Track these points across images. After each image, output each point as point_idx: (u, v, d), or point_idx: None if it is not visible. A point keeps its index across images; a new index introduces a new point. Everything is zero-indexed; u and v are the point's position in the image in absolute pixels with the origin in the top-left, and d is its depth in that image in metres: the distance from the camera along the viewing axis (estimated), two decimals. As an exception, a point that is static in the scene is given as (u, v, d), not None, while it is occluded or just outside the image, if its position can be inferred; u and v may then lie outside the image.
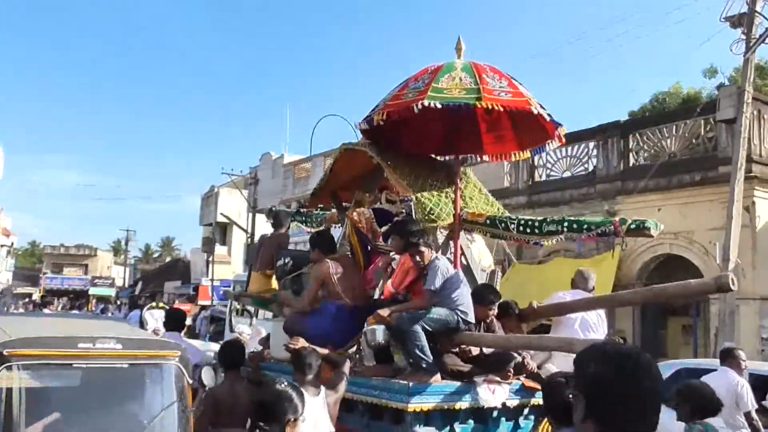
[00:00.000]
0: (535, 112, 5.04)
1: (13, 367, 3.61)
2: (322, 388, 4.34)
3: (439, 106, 4.91)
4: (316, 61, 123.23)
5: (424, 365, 4.58)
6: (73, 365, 3.81)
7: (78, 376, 3.89)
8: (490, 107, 4.93)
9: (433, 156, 6.15)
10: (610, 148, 14.92)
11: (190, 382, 4.10)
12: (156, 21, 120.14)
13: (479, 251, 6.15)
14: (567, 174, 16.10)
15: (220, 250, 34.47)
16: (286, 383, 3.18)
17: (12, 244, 59.42)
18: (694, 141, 13.99)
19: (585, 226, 4.98)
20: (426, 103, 4.87)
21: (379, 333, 4.82)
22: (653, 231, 4.87)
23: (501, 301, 5.31)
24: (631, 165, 14.73)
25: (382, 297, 5.41)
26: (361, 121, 5.46)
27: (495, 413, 4.74)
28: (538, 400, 4.70)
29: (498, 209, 5.93)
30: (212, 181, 36.40)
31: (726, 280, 4.26)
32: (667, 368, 8.11)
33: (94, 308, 44.80)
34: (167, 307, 13.02)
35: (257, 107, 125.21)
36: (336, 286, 5.38)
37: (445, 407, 4.49)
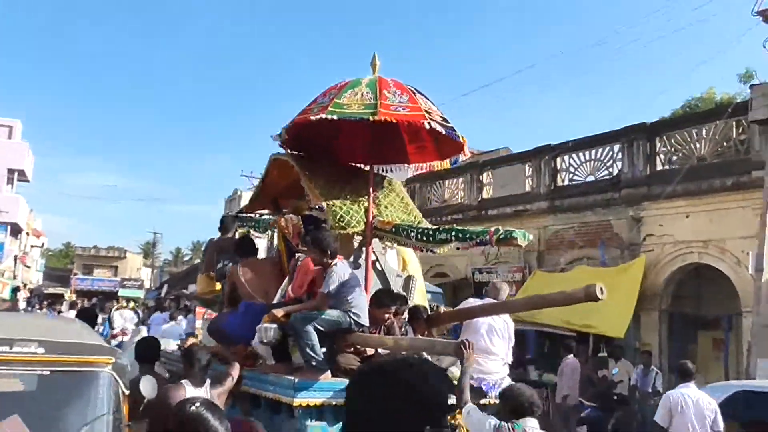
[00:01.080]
0: (428, 126, 5.30)
1: None
2: (207, 381, 4.69)
3: (336, 118, 5.24)
4: (335, 60, 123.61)
5: (314, 363, 4.88)
6: None
7: None
8: (383, 120, 5.20)
9: (359, 166, 6.39)
10: (635, 151, 14.15)
11: (126, 392, 3.62)
12: (183, 23, 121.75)
13: (403, 257, 6.44)
14: (591, 178, 15.38)
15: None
16: (198, 404, 2.63)
17: (43, 245, 60.32)
18: (725, 144, 13.12)
19: (468, 235, 5.22)
20: (324, 116, 5.23)
21: (271, 331, 5.09)
22: (520, 241, 5.06)
23: (411, 306, 5.73)
24: (657, 169, 13.94)
25: (284, 299, 5.60)
26: (273, 135, 5.75)
27: None
28: None
29: (415, 217, 6.15)
30: (236, 185, 36.32)
31: (593, 289, 4.62)
32: (725, 389, 7.46)
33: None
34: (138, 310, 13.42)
35: (277, 107, 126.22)
36: (245, 287, 5.81)
37: (334, 403, 4.69)
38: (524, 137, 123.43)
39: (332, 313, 5.00)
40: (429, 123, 5.30)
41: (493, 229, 5.13)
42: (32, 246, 52.69)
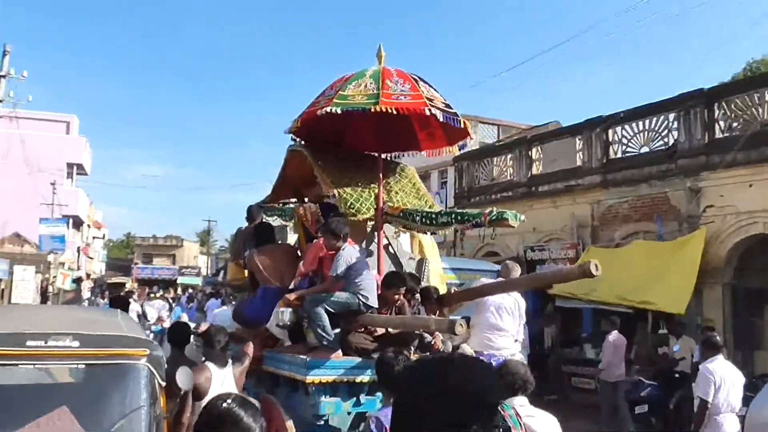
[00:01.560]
0: (428, 113, 5.46)
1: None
2: (230, 361, 4.93)
3: (339, 111, 5.39)
4: (388, 43, 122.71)
5: (325, 342, 5.14)
6: (19, 365, 3.34)
7: (31, 377, 3.42)
8: (385, 110, 5.34)
9: (371, 154, 6.51)
10: (692, 119, 13.47)
11: (162, 384, 3.57)
12: (230, 15, 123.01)
13: (419, 241, 6.64)
14: (645, 149, 14.75)
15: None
16: (230, 400, 2.51)
17: (104, 236, 62.27)
18: (790, 107, 12.41)
19: (466, 218, 5.47)
20: (329, 109, 5.38)
21: (286, 314, 5.44)
22: (511, 221, 5.25)
23: (423, 287, 5.96)
24: (716, 137, 13.24)
25: (297, 277, 5.95)
26: (286, 130, 6.00)
27: None
28: None
29: (426, 202, 6.36)
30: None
31: (588, 266, 4.79)
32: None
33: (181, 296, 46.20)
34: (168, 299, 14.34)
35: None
36: (262, 273, 6.05)
37: (345, 380, 4.98)
38: (575, 110, 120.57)
39: (341, 295, 5.25)
40: (429, 110, 5.45)
41: (487, 211, 5.37)
42: (94, 237, 54.46)
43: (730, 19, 73.04)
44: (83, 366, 3.43)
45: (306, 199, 6.90)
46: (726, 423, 5.82)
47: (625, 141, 15.25)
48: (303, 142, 6.37)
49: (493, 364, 5.13)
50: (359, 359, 5.10)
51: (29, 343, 3.32)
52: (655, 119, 14.50)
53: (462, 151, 7.03)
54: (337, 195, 5.82)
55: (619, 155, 15.38)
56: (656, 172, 14.06)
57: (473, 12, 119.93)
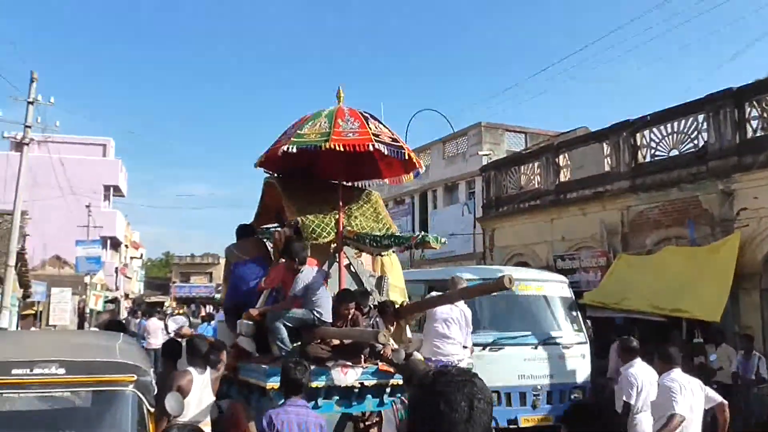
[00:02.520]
0: (371, 148, 6.08)
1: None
2: (208, 368, 5.40)
3: (295, 150, 6.05)
4: (408, 57, 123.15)
5: (283, 353, 5.75)
6: (3, 395, 3.31)
7: (18, 404, 3.39)
8: (333, 147, 5.97)
9: (336, 183, 7.02)
10: (722, 119, 13.04)
11: (151, 410, 3.50)
12: (257, 25, 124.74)
13: (382, 260, 7.29)
14: (674, 152, 14.35)
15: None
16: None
17: (141, 255, 63.27)
18: (825, 103, 11.94)
19: (401, 240, 6.43)
20: (285, 148, 6.06)
21: (245, 326, 6.11)
22: (433, 244, 6.22)
23: (381, 301, 6.58)
24: (748, 137, 12.80)
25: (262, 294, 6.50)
26: (254, 164, 6.70)
27: (357, 391, 5.82)
28: (397, 380, 5.88)
29: (384, 224, 6.94)
30: None
31: (502, 280, 5.40)
32: None
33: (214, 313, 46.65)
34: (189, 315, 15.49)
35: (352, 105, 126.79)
36: (238, 257, 7.00)
37: None
38: (605, 115, 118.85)
39: (298, 312, 5.91)
40: (373, 145, 6.06)
41: (415, 235, 6.43)
42: (132, 258, 55.37)
43: (763, 16, 71.35)
44: (69, 393, 3.39)
45: (285, 223, 7.36)
46: (644, 420, 6.31)
47: (653, 144, 14.86)
48: (275, 174, 7.14)
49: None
50: (314, 367, 5.54)
51: (14, 371, 3.29)
52: (683, 121, 14.11)
53: (417, 177, 7.57)
54: (300, 222, 6.44)
55: (648, 159, 14.99)
56: (687, 175, 13.65)
57: (500, 15, 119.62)
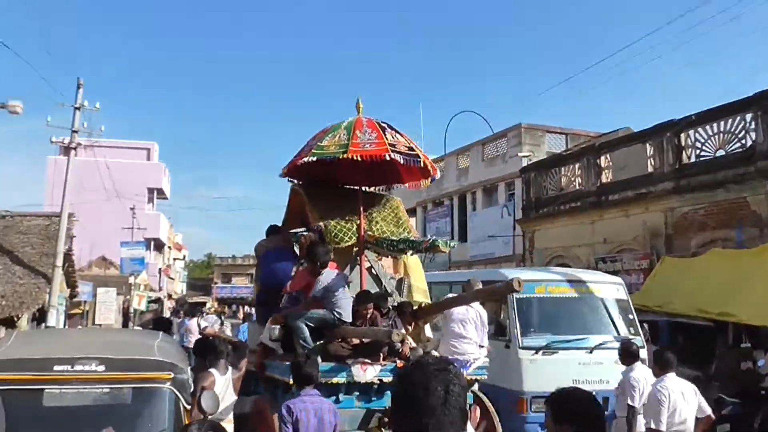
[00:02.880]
0: (387, 158, 6.38)
1: (-20, 393, 3.27)
2: (230, 368, 5.73)
3: (315, 159, 6.40)
4: (447, 59, 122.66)
5: (305, 351, 5.98)
6: (46, 390, 3.40)
7: (60, 400, 3.48)
8: (351, 157, 6.31)
9: (358, 189, 7.38)
10: (771, 118, 12.70)
11: (188, 407, 3.56)
12: (294, 27, 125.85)
13: (404, 262, 7.59)
14: (720, 152, 13.98)
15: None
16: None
17: (184, 257, 64.46)
18: None
19: (414, 244, 6.76)
20: (306, 159, 6.43)
21: (275, 331, 6.40)
22: (442, 247, 6.62)
23: (399, 302, 6.93)
24: (799, 136, 12.44)
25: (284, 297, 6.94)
26: (279, 174, 7.17)
27: (376, 387, 6.06)
28: None
29: (404, 229, 7.23)
30: None
31: (512, 283, 5.66)
32: None
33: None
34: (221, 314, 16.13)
35: (390, 108, 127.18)
36: (262, 247, 7.65)
37: (323, 381, 5.72)
38: (649, 114, 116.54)
39: (318, 312, 6.21)
40: (389, 155, 6.37)
41: (426, 239, 6.84)
42: (174, 259, 56.48)
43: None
44: (109, 390, 3.47)
45: (311, 227, 7.73)
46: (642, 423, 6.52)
47: (699, 144, 14.51)
48: (300, 182, 7.51)
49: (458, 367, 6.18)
50: (334, 364, 6.00)
51: (56, 367, 3.39)
52: (730, 120, 13.74)
53: (432, 182, 7.89)
54: (322, 227, 6.76)
55: (692, 160, 14.65)
56: (733, 175, 13.28)
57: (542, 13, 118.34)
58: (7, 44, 42.16)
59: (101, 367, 3.43)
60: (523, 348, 8.80)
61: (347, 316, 6.24)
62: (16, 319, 13.24)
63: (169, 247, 52.39)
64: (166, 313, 31.59)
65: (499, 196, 23.40)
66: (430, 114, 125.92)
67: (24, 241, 16.38)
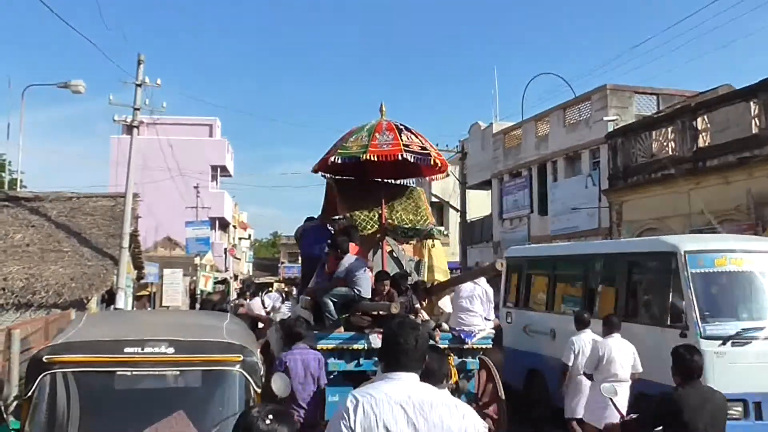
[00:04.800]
0: (400, 158, 7.92)
1: (55, 374, 3.47)
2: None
3: (339, 161, 8.05)
4: (525, 17, 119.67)
5: (330, 322, 7.65)
6: (117, 372, 3.58)
7: (130, 382, 3.66)
8: (370, 158, 7.90)
9: (381, 181, 9.10)
10: None
11: (258, 390, 3.68)
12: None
13: (428, 246, 9.16)
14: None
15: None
16: (271, 418, 2.33)
17: (249, 236, 66.02)
18: None
19: (419, 232, 8.66)
20: (333, 159, 8.09)
21: (306, 301, 8.12)
22: (437, 236, 9.00)
23: (414, 281, 8.63)
24: None
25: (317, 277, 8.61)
26: (312, 170, 8.91)
27: None
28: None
29: (422, 218, 8.66)
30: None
31: (493, 264, 7.68)
32: None
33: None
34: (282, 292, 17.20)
35: (462, 71, 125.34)
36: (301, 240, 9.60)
37: (345, 347, 7.45)
38: (752, 71, 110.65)
39: (341, 290, 7.76)
40: (402, 155, 7.88)
41: (427, 229, 8.62)
42: (240, 238, 57.95)
43: None
44: (178, 372, 3.61)
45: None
46: (583, 382, 8.03)
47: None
48: (332, 176, 9.00)
49: (462, 336, 8.04)
50: (354, 333, 7.52)
51: (127, 350, 3.56)
52: None
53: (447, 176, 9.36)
54: (348, 216, 8.42)
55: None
56: None
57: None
58: (68, 22, 43.77)
59: (171, 350, 3.57)
60: (706, 337, 7.49)
61: (366, 293, 7.74)
62: (85, 301, 13.93)
63: (234, 227, 53.79)
64: (233, 295, 32.55)
65: (582, 164, 22.84)
66: (506, 76, 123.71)
67: (91, 222, 17.15)
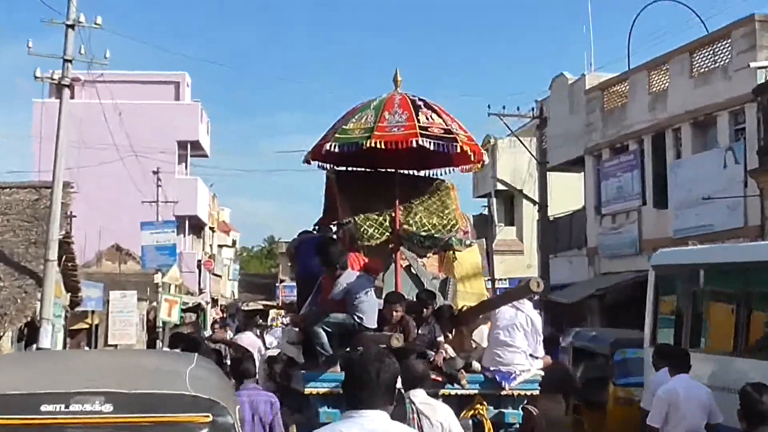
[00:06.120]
0: (414, 144, 8.34)
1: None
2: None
3: (336, 149, 8.55)
4: None
5: (323, 359, 8.04)
6: None
7: None
8: (374, 144, 8.30)
9: (399, 173, 9.51)
10: None
11: None
12: None
13: (458, 258, 9.99)
14: None
15: (505, 233, 34.59)
16: None
17: (234, 243, 66.29)
18: None
19: (436, 242, 9.30)
20: (328, 147, 8.58)
21: (293, 333, 8.78)
22: (456, 247, 9.75)
23: (438, 306, 8.92)
24: None
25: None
26: (302, 160, 9.55)
27: None
28: (447, 390, 8.10)
29: (448, 221, 9.25)
30: (487, 129, 35.61)
31: (528, 283, 7.94)
32: None
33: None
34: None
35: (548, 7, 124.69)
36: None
37: (342, 392, 7.04)
38: None
39: (338, 316, 8.12)
40: (417, 141, 8.29)
41: (445, 239, 9.25)
42: (220, 246, 58.23)
43: None
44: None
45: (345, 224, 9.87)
46: None
47: None
48: (332, 166, 9.60)
49: (497, 378, 8.30)
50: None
51: (44, 407, 3.55)
52: None
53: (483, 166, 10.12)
54: (353, 222, 8.85)
55: None
56: None
57: None
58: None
59: (108, 407, 3.56)
60: None
61: (370, 321, 8.15)
62: (-6, 338, 14.01)
63: (212, 229, 54.09)
64: (208, 330, 32.70)
65: (719, 133, 22.56)
66: (603, 8, 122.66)
67: (3, 224, 17.17)
